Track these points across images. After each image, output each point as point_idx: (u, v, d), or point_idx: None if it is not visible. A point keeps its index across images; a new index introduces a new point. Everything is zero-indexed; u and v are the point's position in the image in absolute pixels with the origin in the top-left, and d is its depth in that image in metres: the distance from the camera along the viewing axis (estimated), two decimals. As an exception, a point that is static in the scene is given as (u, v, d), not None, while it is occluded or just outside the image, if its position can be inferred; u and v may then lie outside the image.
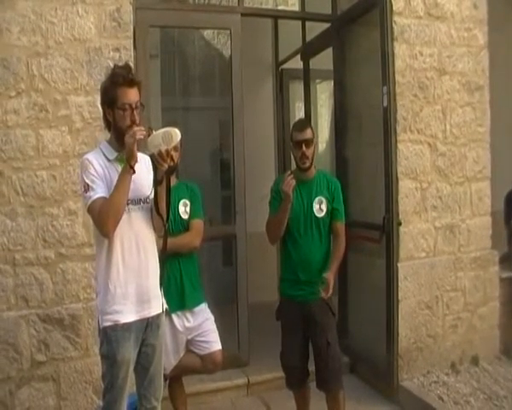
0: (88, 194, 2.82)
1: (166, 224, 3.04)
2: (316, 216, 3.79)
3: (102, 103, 2.97)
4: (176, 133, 2.82)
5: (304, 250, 3.78)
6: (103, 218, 2.76)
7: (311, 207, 3.79)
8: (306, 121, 3.84)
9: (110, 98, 2.89)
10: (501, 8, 5.92)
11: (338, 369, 3.77)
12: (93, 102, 4.04)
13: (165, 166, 2.81)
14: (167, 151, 2.78)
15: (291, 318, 3.83)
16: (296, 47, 6.78)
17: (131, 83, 2.88)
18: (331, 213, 3.83)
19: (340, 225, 3.86)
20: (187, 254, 3.83)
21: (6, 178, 3.93)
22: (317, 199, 3.80)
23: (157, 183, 2.90)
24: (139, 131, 2.74)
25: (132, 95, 2.87)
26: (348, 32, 5.34)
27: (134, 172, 2.79)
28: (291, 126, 7.54)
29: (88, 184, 2.82)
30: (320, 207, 3.79)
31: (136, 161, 2.78)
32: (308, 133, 3.80)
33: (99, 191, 2.81)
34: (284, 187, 3.56)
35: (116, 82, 2.86)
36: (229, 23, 5.07)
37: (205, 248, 4.37)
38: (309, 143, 3.77)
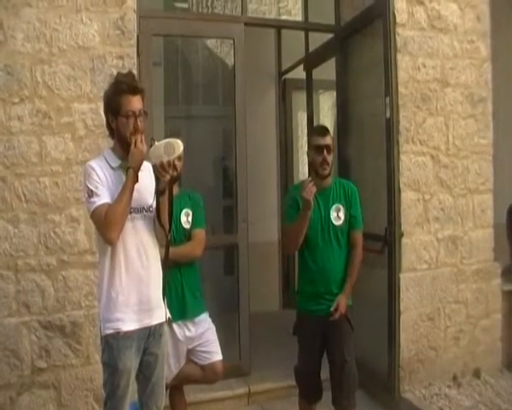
0: (92, 199, 2.81)
1: (169, 234, 3.03)
2: (334, 224, 3.71)
3: (106, 111, 2.97)
4: (178, 144, 2.81)
5: (323, 261, 3.70)
6: (108, 224, 2.76)
7: (329, 215, 3.71)
8: (326, 127, 3.80)
9: (114, 106, 2.88)
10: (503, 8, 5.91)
11: (352, 387, 3.67)
12: (96, 109, 4.04)
13: (167, 177, 2.80)
14: (169, 162, 2.78)
15: (309, 334, 3.74)
16: (299, 57, 6.82)
17: (135, 90, 2.88)
18: (349, 220, 3.76)
19: (358, 235, 3.79)
20: (188, 263, 3.81)
21: (9, 184, 3.93)
22: (334, 207, 3.72)
23: (159, 193, 2.89)
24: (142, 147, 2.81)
25: (136, 102, 2.87)
26: (351, 43, 5.35)
27: (137, 180, 2.81)
28: (293, 136, 7.59)
29: (92, 190, 2.82)
30: (338, 215, 3.71)
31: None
32: (329, 139, 3.73)
33: (103, 197, 2.80)
34: (305, 194, 3.46)
35: (120, 89, 2.86)
36: (232, 32, 5.07)
37: (206, 258, 4.36)
38: (330, 148, 3.70)
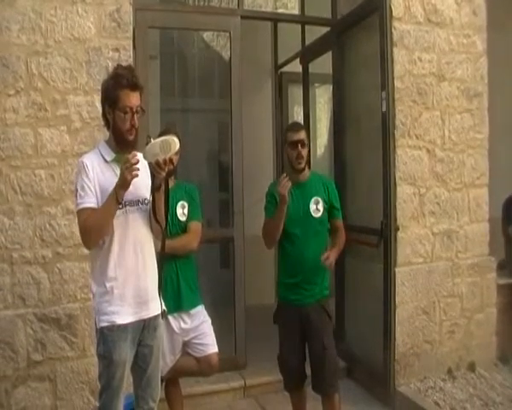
0: (77, 201, 2.84)
1: (165, 229, 3.03)
2: (313, 217, 3.80)
3: (103, 102, 2.95)
4: (174, 142, 2.78)
5: (302, 252, 3.77)
6: (86, 231, 2.80)
7: (308, 207, 3.80)
8: (300, 123, 3.89)
9: (111, 99, 2.86)
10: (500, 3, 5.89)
11: (334, 372, 3.77)
12: (92, 101, 4.05)
13: (163, 174, 2.79)
14: (165, 160, 2.76)
15: (289, 321, 3.83)
16: (295, 50, 6.79)
17: (135, 87, 2.85)
18: (329, 212, 3.86)
19: (339, 222, 3.92)
20: (184, 255, 3.82)
21: (4, 176, 3.92)
22: (313, 199, 3.81)
23: (155, 189, 2.88)
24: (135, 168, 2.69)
25: (134, 99, 2.85)
26: (348, 37, 5.35)
27: (120, 203, 2.78)
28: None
29: (77, 190, 2.84)
30: (317, 208, 3.81)
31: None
32: (302, 134, 3.84)
33: (87, 201, 2.81)
34: (280, 189, 3.56)
35: (119, 83, 2.83)
36: (228, 25, 5.07)
37: (202, 251, 4.35)
38: (304, 143, 3.80)
